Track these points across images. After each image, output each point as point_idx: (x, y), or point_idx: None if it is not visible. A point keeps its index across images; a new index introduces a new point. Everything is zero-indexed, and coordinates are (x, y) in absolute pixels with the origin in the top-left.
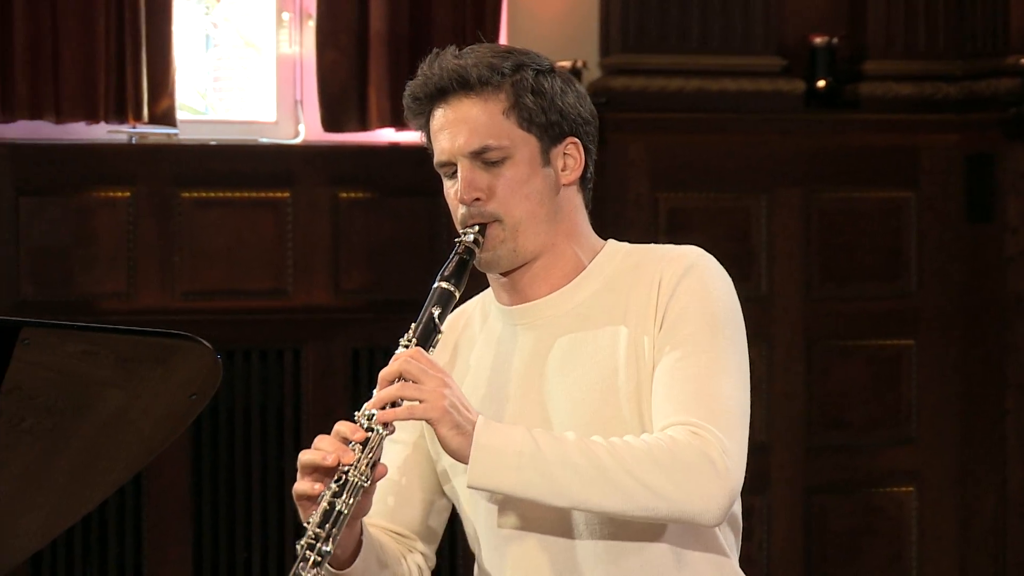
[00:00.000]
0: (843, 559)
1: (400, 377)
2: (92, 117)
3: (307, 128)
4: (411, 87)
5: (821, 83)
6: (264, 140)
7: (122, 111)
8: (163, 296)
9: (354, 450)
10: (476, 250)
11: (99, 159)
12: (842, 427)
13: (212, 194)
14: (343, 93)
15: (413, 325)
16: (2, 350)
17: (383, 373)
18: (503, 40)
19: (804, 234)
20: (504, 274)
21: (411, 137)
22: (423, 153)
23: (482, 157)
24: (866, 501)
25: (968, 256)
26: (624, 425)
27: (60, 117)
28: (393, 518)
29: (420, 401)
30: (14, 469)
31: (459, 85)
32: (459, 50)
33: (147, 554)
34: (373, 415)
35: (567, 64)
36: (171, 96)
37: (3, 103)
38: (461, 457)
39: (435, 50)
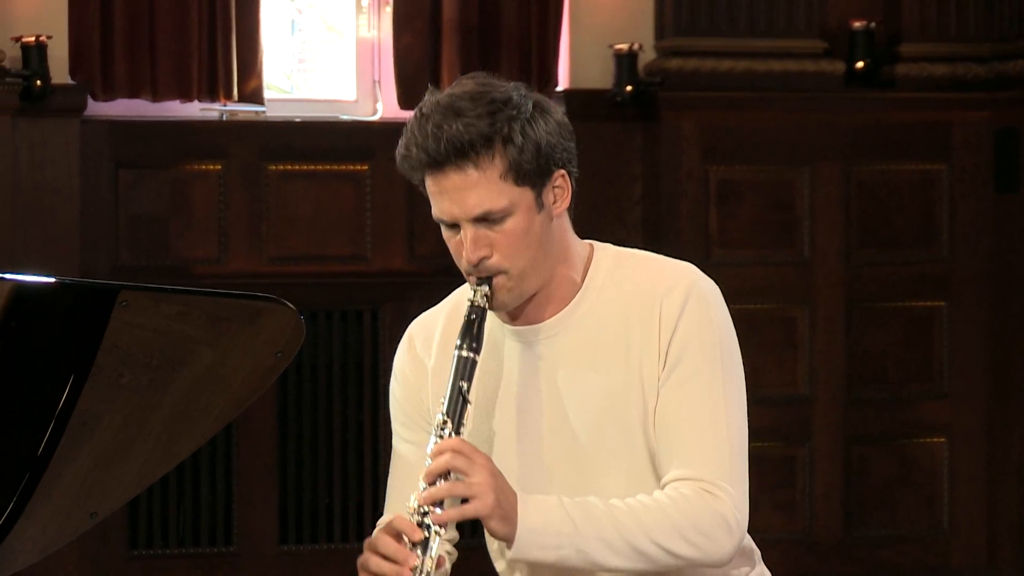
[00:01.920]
0: (880, 504)
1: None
2: (186, 96)
3: (384, 106)
4: (405, 157)
5: (860, 64)
6: (345, 117)
7: (214, 90)
8: (251, 261)
9: (416, 553)
10: (488, 307)
11: (192, 135)
12: (879, 382)
13: (297, 167)
14: (417, 74)
15: (443, 400)
16: (102, 311)
17: (430, 468)
18: (566, 26)
19: (844, 204)
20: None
21: None
22: None
23: (485, 219)
24: (901, 451)
25: (996, 224)
26: (633, 448)
27: (156, 96)
28: None
29: (470, 497)
30: (114, 421)
31: (456, 155)
32: (443, 100)
33: (236, 499)
34: (427, 512)
35: (624, 47)
36: (259, 76)
37: (104, 83)
38: (507, 541)
39: (427, 98)
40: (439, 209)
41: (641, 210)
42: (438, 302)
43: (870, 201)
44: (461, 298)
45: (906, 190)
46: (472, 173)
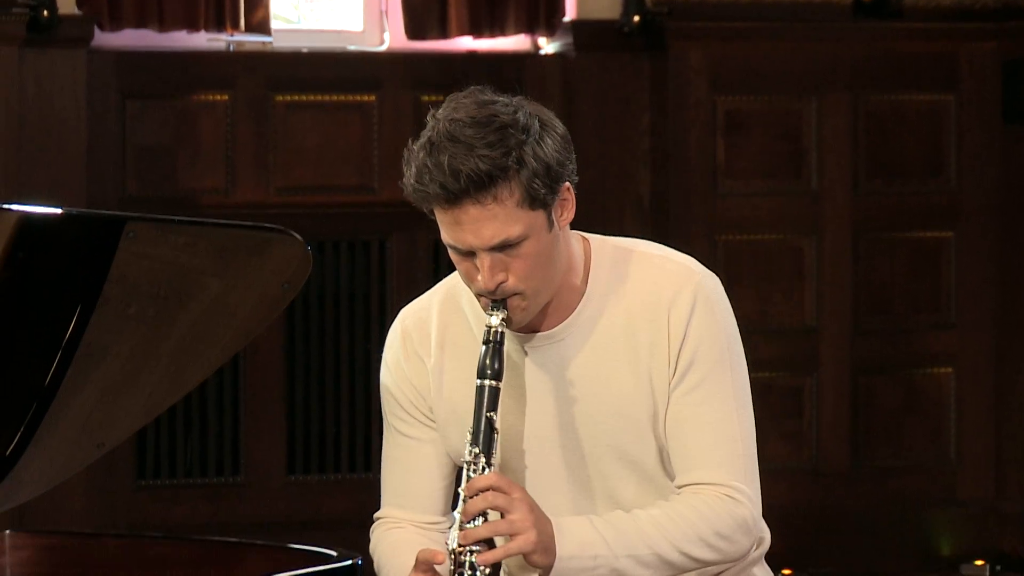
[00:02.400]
0: (887, 434)
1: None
2: (193, 26)
3: (391, 36)
4: (419, 190)
5: None
6: (352, 48)
7: (220, 20)
8: (258, 192)
9: None
10: (505, 330)
11: (199, 65)
12: (886, 313)
13: (303, 98)
14: (425, 3)
15: (471, 433)
16: (109, 242)
17: (468, 507)
18: None
19: (851, 134)
20: None
21: (488, 44)
22: (497, 59)
23: (502, 248)
24: (908, 382)
25: (1003, 155)
26: (643, 450)
27: (163, 26)
28: (426, 510)
29: (512, 534)
30: (122, 352)
31: (475, 189)
32: (451, 127)
33: (243, 430)
34: (471, 552)
35: None
36: (266, 7)
37: (111, 13)
38: (546, 570)
39: (427, 140)
40: (454, 239)
41: (649, 141)
42: None
43: (877, 132)
44: (451, 289)
45: (914, 121)
46: (491, 205)
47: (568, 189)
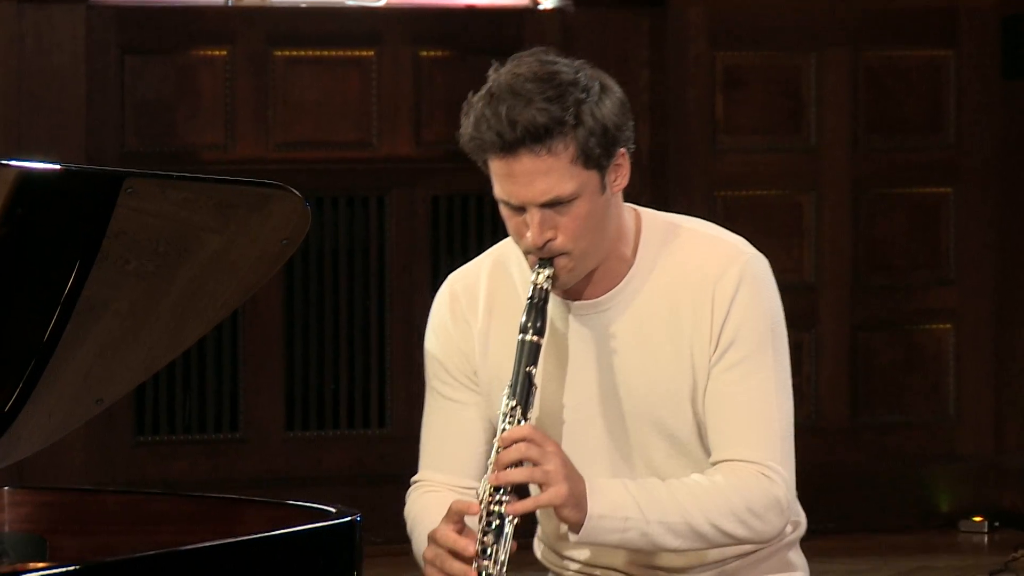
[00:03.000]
0: (886, 391)
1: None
2: None
3: None
4: (475, 138)
5: None
6: (351, 2)
7: None
8: (258, 147)
9: (487, 542)
10: (551, 288)
11: (198, 20)
12: (886, 269)
13: (303, 53)
14: None
15: (509, 386)
16: (108, 198)
17: (502, 457)
18: None
19: (851, 90)
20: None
21: (486, 0)
22: (496, 14)
23: (552, 205)
24: (907, 338)
25: (1003, 111)
26: (681, 424)
27: None
28: (464, 474)
29: (543, 485)
30: (121, 307)
31: (531, 140)
32: (511, 81)
33: (242, 386)
34: (500, 501)
35: None
36: None
37: None
38: (575, 527)
39: (487, 91)
40: (506, 192)
41: (648, 96)
42: (444, 188)
43: (877, 88)
44: (501, 256)
45: (913, 76)
46: (546, 158)
47: (623, 155)
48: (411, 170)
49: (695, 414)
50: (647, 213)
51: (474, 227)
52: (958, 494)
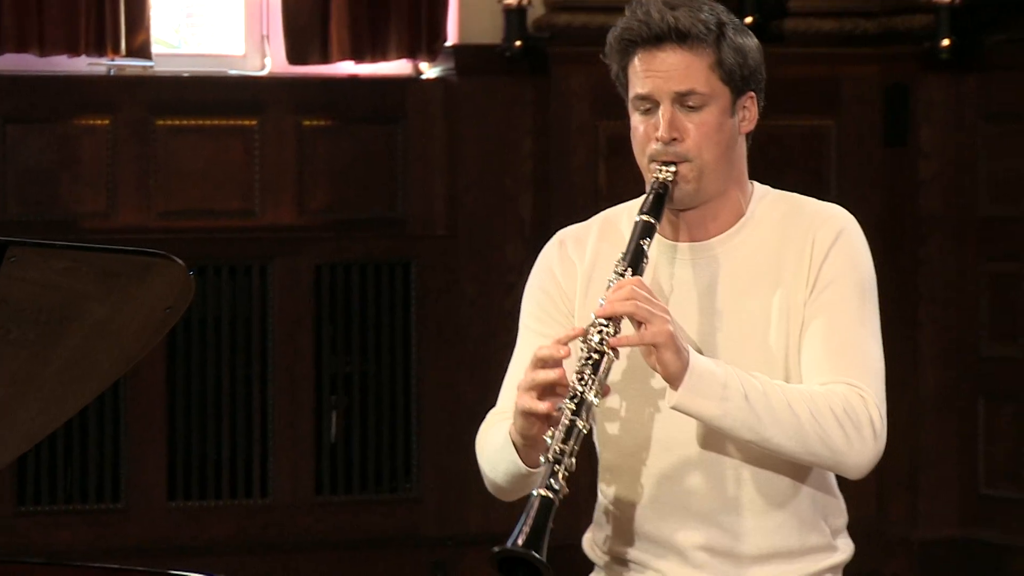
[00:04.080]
0: None
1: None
2: (73, 50)
3: (273, 61)
4: (626, 30)
5: (749, 19)
6: (233, 72)
7: (101, 45)
8: (140, 216)
9: (585, 372)
10: (671, 187)
11: (80, 89)
12: None
13: (185, 122)
14: (306, 28)
15: (621, 255)
16: None
17: (611, 294)
18: None
19: None
20: (677, 211)
21: (369, 69)
22: (381, 83)
23: (685, 101)
24: None
25: (885, 179)
26: (773, 373)
27: (44, 50)
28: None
29: (647, 325)
30: (2, 377)
31: (676, 36)
32: None
33: (124, 455)
34: (603, 339)
35: (513, 2)
36: (147, 31)
37: None
38: (675, 380)
39: (638, 1)
40: (642, 86)
41: (531, 164)
42: (328, 256)
43: (760, 156)
44: (612, 215)
45: (796, 145)
46: (687, 55)
47: (753, 99)
48: (294, 239)
49: (786, 364)
50: (764, 185)
51: (357, 296)
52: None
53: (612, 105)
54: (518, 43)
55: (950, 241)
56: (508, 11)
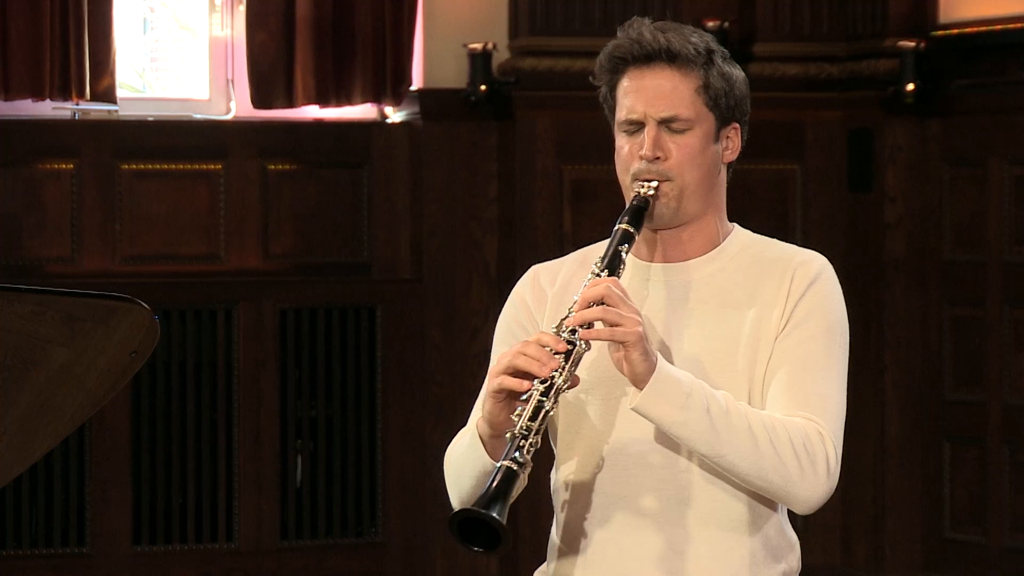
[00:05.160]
0: None
1: (600, 302)
2: (38, 95)
3: (238, 105)
4: (617, 47)
5: None
6: (198, 116)
7: (66, 89)
8: (105, 260)
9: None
10: (652, 202)
11: (45, 134)
12: None
13: (150, 166)
14: (271, 72)
15: (598, 259)
16: None
17: (585, 294)
18: (420, 25)
19: None
20: (655, 230)
21: (334, 113)
22: (344, 128)
23: (670, 124)
24: None
25: (849, 223)
26: (734, 396)
27: (8, 95)
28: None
29: (618, 325)
30: None
31: (667, 56)
32: (652, 23)
33: (89, 499)
34: (576, 331)
35: (478, 46)
36: (112, 75)
37: None
38: (640, 381)
39: (635, 17)
40: (630, 108)
41: (496, 209)
42: (292, 301)
43: (726, 199)
44: (588, 249)
45: (761, 189)
46: (675, 75)
47: (737, 130)
48: (259, 283)
49: (749, 394)
50: (739, 226)
51: (322, 340)
52: None
53: (577, 150)
54: (483, 87)
55: (914, 285)
56: (473, 55)
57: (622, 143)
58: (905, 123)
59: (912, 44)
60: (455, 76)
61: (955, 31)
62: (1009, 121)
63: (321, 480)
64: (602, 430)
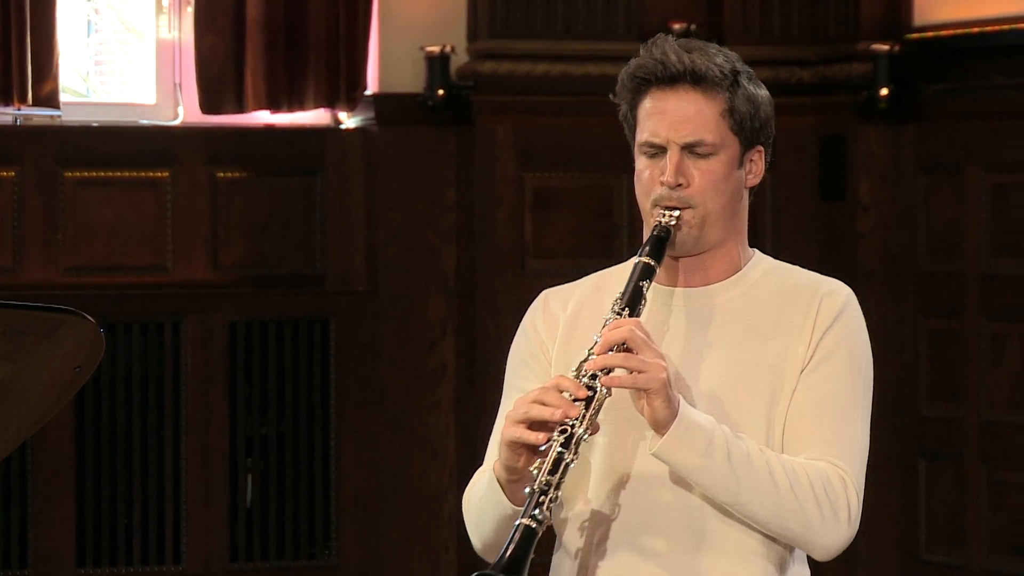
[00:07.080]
0: None
1: (623, 344)
2: None
3: (186, 110)
4: (640, 67)
5: None
6: (144, 122)
7: (7, 94)
8: (48, 272)
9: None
10: (673, 232)
11: None
12: None
13: (94, 174)
14: (220, 76)
15: (619, 295)
16: None
17: (607, 337)
18: (375, 27)
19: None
20: (676, 257)
21: (285, 119)
22: (297, 134)
23: (694, 149)
24: None
25: (821, 232)
26: (752, 427)
27: None
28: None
29: (641, 372)
30: None
31: (692, 78)
32: (676, 41)
33: (31, 520)
34: (596, 376)
35: (436, 49)
36: (55, 79)
37: None
38: (662, 427)
39: (659, 35)
40: (652, 131)
41: (455, 218)
42: (243, 313)
43: None
44: (603, 273)
45: None
46: (699, 99)
47: (761, 153)
48: (207, 295)
49: (768, 419)
50: (759, 251)
51: (274, 354)
52: None
53: (539, 156)
54: (441, 92)
55: (888, 297)
56: (430, 59)
57: (642, 166)
58: (879, 129)
59: (886, 47)
60: (412, 80)
61: (930, 34)
62: (986, 126)
63: (272, 500)
64: (612, 463)
